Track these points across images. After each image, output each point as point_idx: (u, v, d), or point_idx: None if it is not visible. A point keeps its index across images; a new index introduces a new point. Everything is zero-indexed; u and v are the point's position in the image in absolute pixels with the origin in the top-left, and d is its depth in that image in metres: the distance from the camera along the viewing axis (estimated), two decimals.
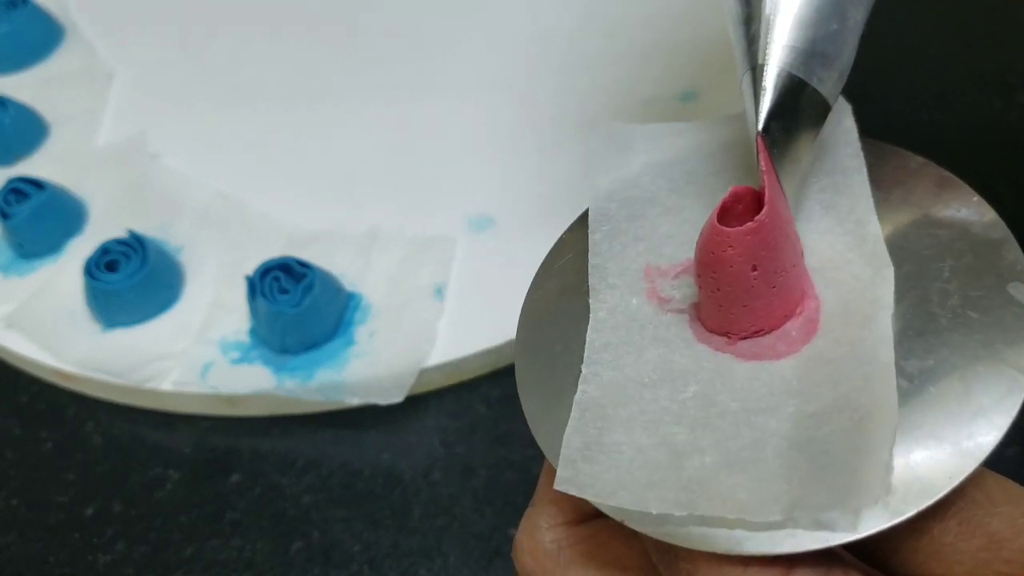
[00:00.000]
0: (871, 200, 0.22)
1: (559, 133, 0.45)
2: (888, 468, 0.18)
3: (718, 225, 0.19)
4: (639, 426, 0.20)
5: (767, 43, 0.21)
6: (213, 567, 0.35)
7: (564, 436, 0.20)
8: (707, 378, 0.20)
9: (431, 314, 0.39)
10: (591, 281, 0.22)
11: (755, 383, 0.20)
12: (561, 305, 0.23)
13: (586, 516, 0.22)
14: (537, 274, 0.24)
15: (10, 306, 0.41)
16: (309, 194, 0.44)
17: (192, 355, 0.39)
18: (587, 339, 0.22)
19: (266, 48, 0.52)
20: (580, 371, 0.21)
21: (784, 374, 0.20)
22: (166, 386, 0.38)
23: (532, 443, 0.37)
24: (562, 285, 0.23)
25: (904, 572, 0.19)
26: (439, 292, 0.40)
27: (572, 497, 0.20)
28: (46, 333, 0.40)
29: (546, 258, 0.24)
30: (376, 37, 0.51)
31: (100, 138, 0.48)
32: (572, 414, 0.21)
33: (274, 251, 0.39)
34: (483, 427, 0.37)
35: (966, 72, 0.47)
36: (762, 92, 0.21)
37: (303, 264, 0.37)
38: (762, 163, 0.20)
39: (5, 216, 0.42)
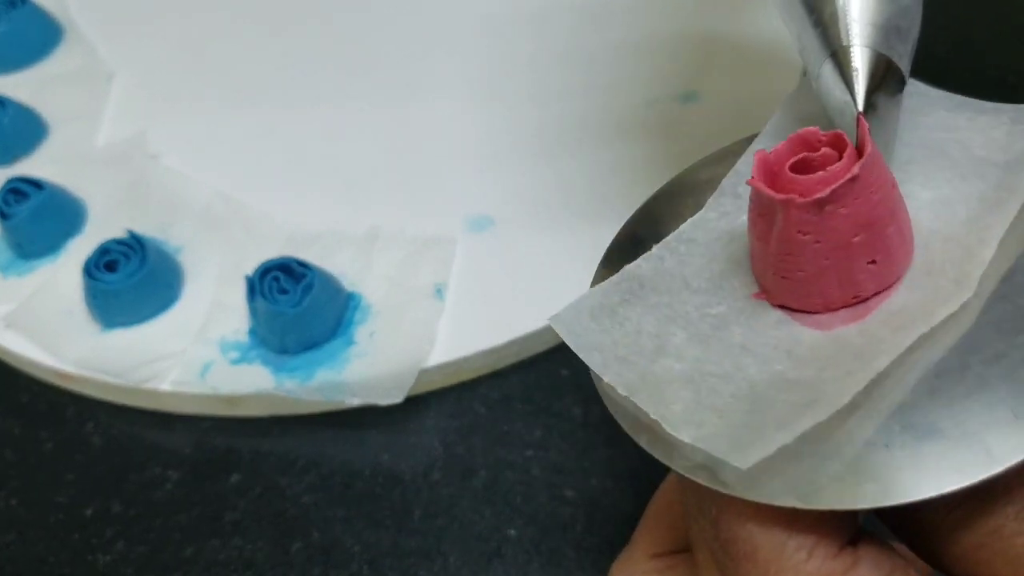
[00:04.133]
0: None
1: (559, 134, 0.45)
2: None
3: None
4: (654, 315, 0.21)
5: (848, 24, 0.21)
6: (213, 567, 0.35)
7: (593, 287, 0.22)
8: (739, 311, 0.21)
9: (431, 314, 0.39)
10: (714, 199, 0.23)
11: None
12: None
13: (677, 549, 0.24)
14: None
15: (9, 306, 0.41)
16: (309, 194, 0.44)
17: (191, 355, 0.39)
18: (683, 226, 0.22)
19: (267, 48, 0.51)
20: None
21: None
22: (165, 386, 0.38)
23: (532, 444, 0.37)
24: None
25: (956, 567, 0.19)
26: (439, 292, 0.39)
27: (665, 531, 0.21)
28: (45, 333, 0.40)
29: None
30: (376, 37, 0.51)
31: (100, 138, 0.48)
32: (613, 277, 0.22)
33: (274, 251, 0.39)
34: (483, 427, 0.37)
35: (966, 72, 0.47)
36: (854, 72, 0.21)
37: (303, 264, 0.37)
38: (866, 142, 0.20)
39: (4, 216, 0.42)
